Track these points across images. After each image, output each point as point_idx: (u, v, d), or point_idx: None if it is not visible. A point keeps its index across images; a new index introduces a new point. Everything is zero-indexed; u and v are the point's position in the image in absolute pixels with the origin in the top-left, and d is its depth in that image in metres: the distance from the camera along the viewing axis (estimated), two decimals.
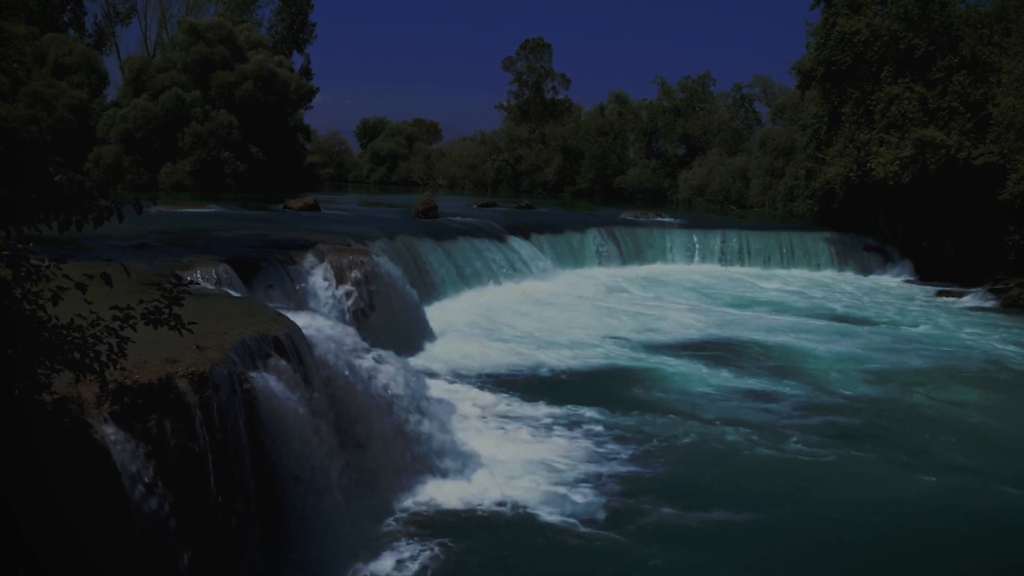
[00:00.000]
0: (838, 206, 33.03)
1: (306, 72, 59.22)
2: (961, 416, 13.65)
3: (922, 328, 21.31)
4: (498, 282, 22.77)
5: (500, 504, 9.30)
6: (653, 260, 30.23)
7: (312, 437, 8.02)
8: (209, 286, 11.91)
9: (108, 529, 5.58)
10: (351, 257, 15.65)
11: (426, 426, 9.98)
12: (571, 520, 9.00)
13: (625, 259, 29.37)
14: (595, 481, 10.08)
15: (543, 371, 15.15)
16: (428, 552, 8.12)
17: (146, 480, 5.95)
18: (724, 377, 15.36)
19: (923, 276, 30.63)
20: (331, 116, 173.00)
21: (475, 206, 37.27)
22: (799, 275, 30.25)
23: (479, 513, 9.12)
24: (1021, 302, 25.32)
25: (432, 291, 19.78)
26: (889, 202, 30.66)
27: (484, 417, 12.27)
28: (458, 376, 14.50)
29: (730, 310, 22.74)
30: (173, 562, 6.08)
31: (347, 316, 14.65)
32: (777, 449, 11.54)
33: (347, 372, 9.41)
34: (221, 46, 45.50)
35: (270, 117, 46.75)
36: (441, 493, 9.40)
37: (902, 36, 29.39)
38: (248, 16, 57.22)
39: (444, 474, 9.71)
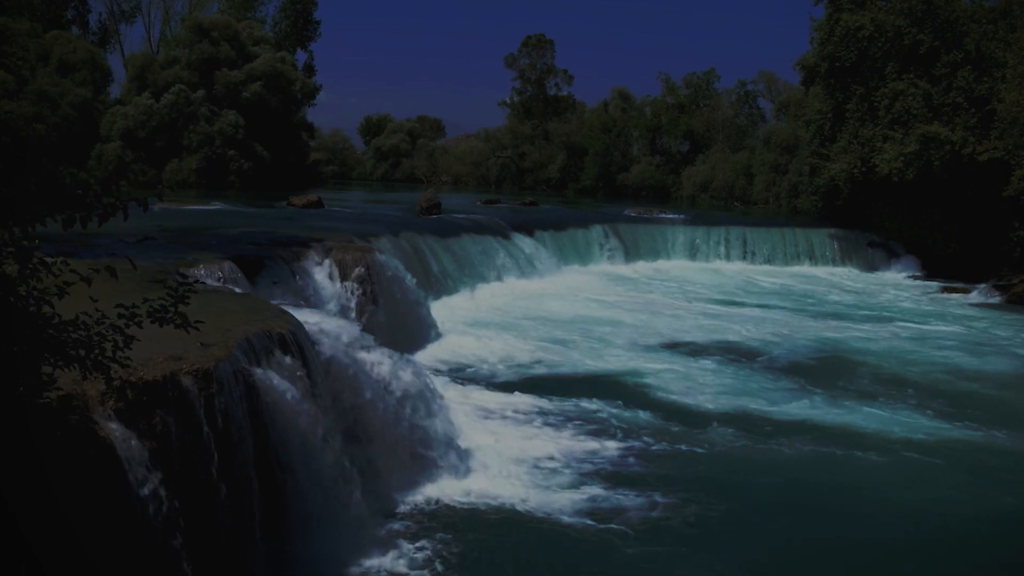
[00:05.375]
0: (842, 203, 32.98)
1: (309, 69, 59.20)
2: None
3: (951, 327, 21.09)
4: (502, 279, 22.78)
5: (503, 501, 9.30)
6: (657, 257, 30.24)
7: (315, 433, 8.03)
8: (214, 283, 11.93)
9: (111, 526, 5.59)
10: (355, 254, 15.65)
11: (429, 422, 9.99)
12: (575, 517, 8.99)
13: (629, 256, 29.36)
14: (600, 478, 10.07)
15: (546, 368, 15.14)
16: (430, 548, 8.13)
17: (150, 477, 5.97)
18: (714, 374, 15.33)
19: (928, 272, 30.56)
20: (334, 113, 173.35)
21: (479, 203, 37.27)
22: (803, 272, 30.24)
23: (482, 510, 9.12)
24: None
25: (436, 288, 19.78)
26: (893, 198, 30.57)
27: (488, 413, 12.27)
28: (462, 372, 14.51)
29: (718, 307, 22.71)
30: (176, 559, 6.09)
31: (351, 313, 14.66)
32: (801, 450, 11.55)
33: (351, 369, 9.42)
34: (225, 44, 45.53)
35: (275, 115, 46.78)
36: (444, 489, 9.41)
37: (906, 31, 29.31)
38: (252, 13, 57.20)
39: (448, 470, 9.72)
